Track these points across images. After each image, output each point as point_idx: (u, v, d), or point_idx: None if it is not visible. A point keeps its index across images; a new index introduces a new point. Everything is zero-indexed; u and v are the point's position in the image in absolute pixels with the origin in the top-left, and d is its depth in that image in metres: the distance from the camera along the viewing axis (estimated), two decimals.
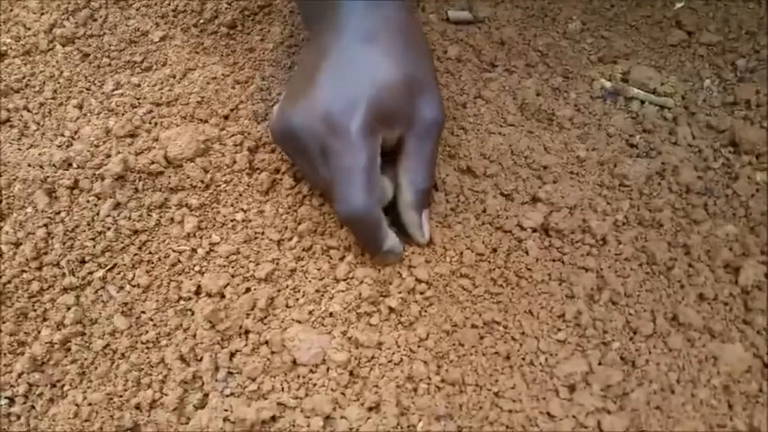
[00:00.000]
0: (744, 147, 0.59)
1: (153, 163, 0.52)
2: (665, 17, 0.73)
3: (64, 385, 0.47)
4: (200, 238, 0.51)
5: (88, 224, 0.51)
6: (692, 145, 0.61)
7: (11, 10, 0.66)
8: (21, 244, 0.50)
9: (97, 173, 0.52)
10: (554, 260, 0.51)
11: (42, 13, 0.66)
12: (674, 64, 0.69)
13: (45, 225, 0.51)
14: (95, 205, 0.52)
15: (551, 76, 0.67)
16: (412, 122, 0.48)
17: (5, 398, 0.47)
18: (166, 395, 0.46)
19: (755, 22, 0.71)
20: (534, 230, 0.52)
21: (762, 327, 0.49)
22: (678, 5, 0.75)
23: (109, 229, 0.51)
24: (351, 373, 0.46)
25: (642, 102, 0.66)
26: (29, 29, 0.65)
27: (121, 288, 0.50)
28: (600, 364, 0.46)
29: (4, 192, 0.52)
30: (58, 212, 0.51)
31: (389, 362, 0.46)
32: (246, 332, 0.48)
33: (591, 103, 0.65)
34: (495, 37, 0.71)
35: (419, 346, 0.46)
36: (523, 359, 0.46)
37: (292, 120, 0.48)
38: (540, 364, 0.46)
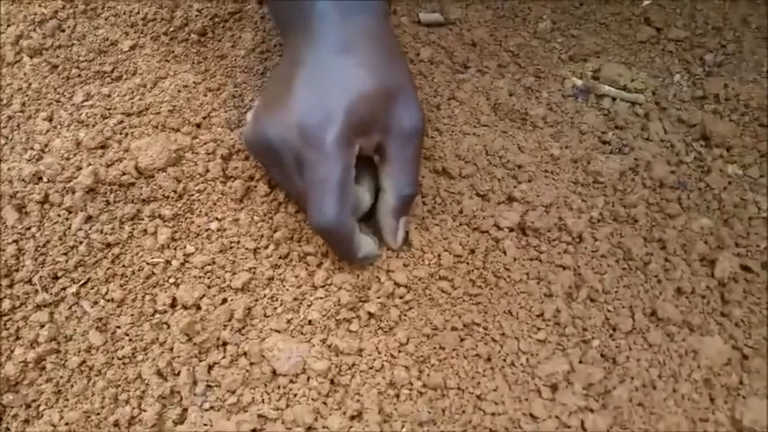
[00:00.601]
0: (715, 140, 0.60)
1: (124, 174, 0.52)
2: (633, 14, 0.74)
3: (39, 405, 0.46)
4: (175, 249, 0.51)
5: (60, 239, 0.50)
6: (664, 140, 0.62)
7: None
8: None
9: (67, 186, 0.51)
10: (531, 259, 0.51)
11: (9, 25, 0.65)
12: (643, 60, 0.70)
13: (15, 241, 0.50)
14: (66, 219, 0.51)
15: (523, 76, 0.67)
16: (390, 130, 0.48)
17: None
18: (145, 411, 0.45)
19: (721, 17, 0.72)
20: (511, 230, 0.52)
21: (739, 319, 0.49)
22: (646, 3, 0.75)
23: (81, 243, 0.50)
24: (332, 382, 0.45)
25: (613, 99, 0.66)
26: None
27: (96, 303, 0.49)
28: (581, 362, 0.46)
29: None
30: (29, 228, 0.50)
31: (370, 368, 0.46)
32: (224, 344, 0.47)
33: (563, 102, 0.65)
34: (466, 38, 0.71)
35: (400, 351, 0.46)
36: (504, 360, 0.46)
37: (267, 130, 0.47)
38: (522, 364, 0.46)
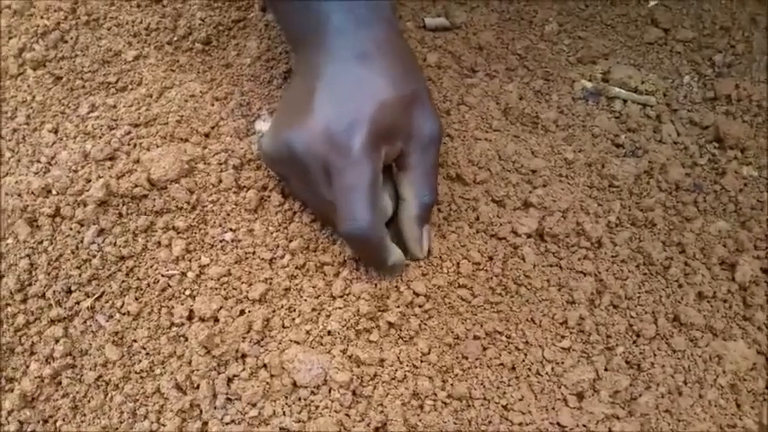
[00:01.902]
0: (729, 142, 0.60)
1: (136, 186, 0.51)
2: (639, 15, 0.74)
3: (56, 421, 0.46)
4: (190, 260, 0.50)
5: (72, 252, 0.49)
6: (677, 142, 0.61)
7: None
8: (3, 276, 0.48)
9: (79, 199, 0.50)
10: (551, 266, 0.50)
11: (10, 37, 0.64)
12: (652, 62, 0.70)
13: (28, 256, 0.49)
14: (78, 232, 0.50)
15: (532, 79, 0.67)
16: (412, 136, 0.48)
17: None
18: (164, 426, 0.45)
19: (729, 17, 0.72)
20: (529, 236, 0.52)
21: (762, 322, 0.49)
22: (652, 3, 0.75)
23: (94, 256, 0.49)
24: (354, 393, 0.45)
25: (624, 101, 0.66)
26: None
27: (111, 317, 0.48)
28: (606, 369, 0.46)
29: None
30: (41, 242, 0.49)
31: (393, 379, 0.45)
32: (243, 356, 0.47)
33: (573, 105, 0.65)
34: (473, 42, 0.70)
35: (422, 361, 0.46)
36: (529, 369, 0.46)
37: (290, 140, 0.47)
38: (547, 373, 0.45)
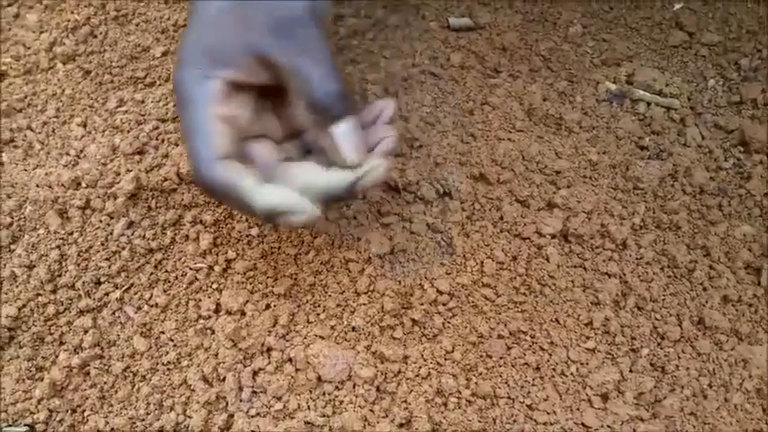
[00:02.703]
0: (754, 146, 0.60)
1: (165, 180, 0.52)
2: (664, 18, 0.74)
3: (84, 410, 0.46)
4: (217, 254, 0.51)
5: (102, 244, 0.50)
6: (701, 146, 0.61)
7: (10, 29, 0.65)
8: (34, 266, 0.49)
9: (109, 192, 0.51)
10: (576, 266, 0.51)
11: (42, 32, 0.65)
12: (676, 65, 0.69)
13: (58, 246, 0.50)
14: (108, 225, 0.51)
15: (556, 80, 0.67)
16: (266, 36, 0.40)
17: (25, 425, 0.46)
18: (190, 417, 0.45)
19: (755, 21, 0.71)
20: (553, 237, 0.52)
21: None
22: (677, 6, 0.75)
23: (123, 248, 0.50)
24: (378, 389, 0.45)
25: (648, 103, 0.66)
26: (29, 48, 0.64)
27: (139, 308, 0.49)
28: (631, 371, 0.46)
29: (14, 213, 0.51)
30: (71, 233, 0.50)
31: (417, 376, 0.45)
32: (269, 350, 0.47)
33: (597, 107, 0.65)
34: (496, 43, 0.71)
35: (446, 359, 0.46)
36: (554, 369, 0.46)
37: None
38: (572, 373, 0.46)
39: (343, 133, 0.41)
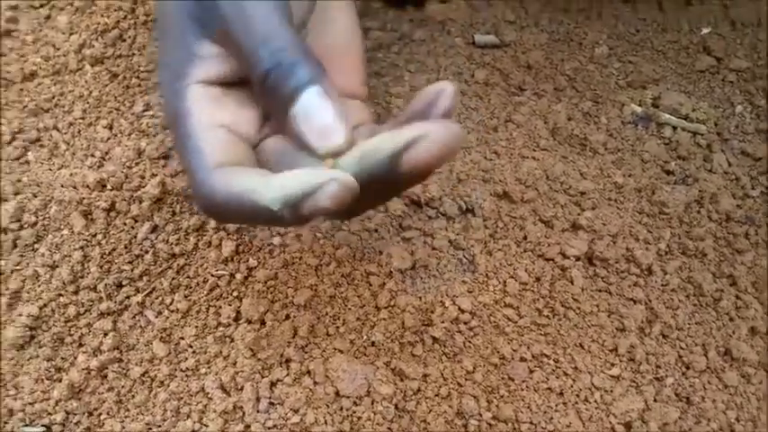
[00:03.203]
0: None
1: (190, 186, 0.52)
2: (691, 43, 0.73)
3: (101, 414, 0.46)
4: (238, 262, 0.50)
5: (125, 247, 0.50)
6: (728, 172, 0.61)
7: (40, 30, 0.65)
8: (57, 267, 0.49)
9: (135, 195, 0.51)
10: (601, 290, 0.50)
11: (71, 33, 0.65)
12: (703, 90, 0.69)
13: (82, 248, 0.50)
14: (132, 228, 0.51)
15: (581, 101, 0.67)
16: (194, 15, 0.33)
17: (42, 425, 0.45)
18: (207, 426, 0.45)
19: None
20: (578, 259, 0.51)
21: None
22: (705, 31, 0.75)
23: (147, 252, 0.50)
24: (396, 407, 0.45)
25: (674, 128, 0.65)
26: (58, 49, 0.64)
27: (160, 313, 0.49)
28: (655, 400, 0.45)
29: (39, 213, 0.51)
30: (95, 235, 0.50)
31: (436, 395, 0.45)
32: (288, 361, 0.47)
33: (623, 129, 0.64)
34: (521, 61, 0.70)
35: (467, 380, 0.46)
36: (578, 396, 0.45)
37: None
38: (596, 400, 0.45)
39: (305, 108, 0.29)
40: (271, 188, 0.29)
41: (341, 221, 0.52)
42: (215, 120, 0.33)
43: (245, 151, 0.34)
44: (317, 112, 0.29)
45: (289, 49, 0.30)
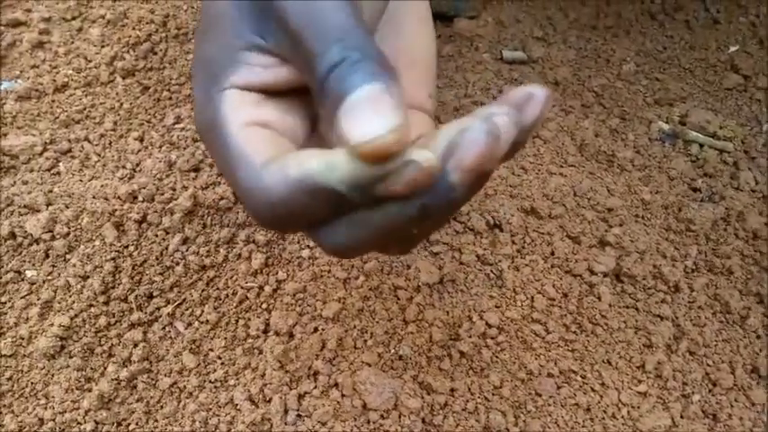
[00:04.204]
0: None
1: (222, 198, 0.52)
2: (719, 61, 0.73)
3: (130, 424, 0.46)
4: (267, 275, 0.51)
5: (156, 259, 0.50)
6: (755, 190, 0.60)
7: (72, 42, 0.66)
8: (88, 277, 0.50)
9: (166, 207, 0.52)
10: (628, 307, 0.50)
11: (103, 46, 0.66)
12: (730, 108, 0.69)
13: (113, 259, 0.50)
14: (164, 240, 0.51)
15: (608, 117, 0.67)
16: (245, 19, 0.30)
17: None
18: None
19: None
20: (605, 275, 0.51)
21: None
22: (732, 49, 0.75)
23: (177, 264, 0.50)
24: (423, 421, 0.45)
25: (701, 145, 0.65)
26: (90, 61, 0.65)
27: (189, 324, 0.49)
28: (682, 417, 0.45)
29: (71, 223, 0.52)
30: (127, 246, 0.51)
31: (464, 410, 0.45)
32: (316, 373, 0.47)
33: (650, 146, 0.64)
34: (549, 77, 0.71)
35: (494, 395, 0.46)
36: (605, 412, 0.45)
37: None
38: (623, 417, 0.45)
39: (350, 104, 0.24)
40: (336, 167, 0.24)
41: (392, 257, 0.51)
42: (255, 119, 0.29)
43: (293, 150, 0.29)
44: (373, 105, 0.24)
45: (360, 48, 0.26)
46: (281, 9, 0.28)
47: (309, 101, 0.30)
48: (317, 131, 0.32)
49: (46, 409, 0.46)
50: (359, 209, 0.26)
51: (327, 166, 0.24)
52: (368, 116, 0.23)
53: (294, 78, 0.30)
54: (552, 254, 0.53)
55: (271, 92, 0.31)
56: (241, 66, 0.30)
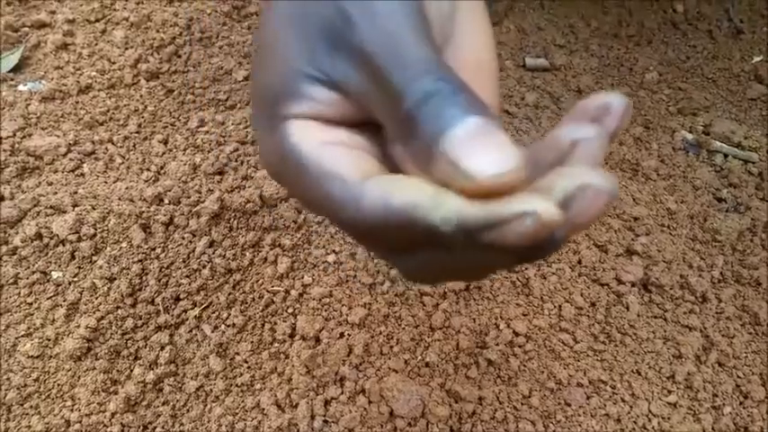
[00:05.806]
0: None
1: (248, 202, 0.52)
2: (742, 71, 0.73)
3: (156, 428, 0.46)
4: (293, 279, 0.51)
5: (183, 261, 0.50)
6: None
7: (96, 44, 0.67)
8: (115, 279, 0.50)
9: (193, 210, 0.52)
10: (657, 317, 0.50)
11: (127, 48, 0.67)
12: (755, 118, 0.69)
13: (140, 261, 0.50)
14: (191, 242, 0.51)
15: (632, 126, 0.67)
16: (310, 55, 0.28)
17: None
18: None
19: None
20: (633, 285, 0.51)
21: None
22: (756, 59, 0.74)
23: (204, 266, 0.50)
24: (451, 429, 0.45)
25: (725, 155, 0.65)
26: (114, 63, 0.65)
27: (216, 327, 0.49)
28: (713, 429, 0.45)
29: (98, 225, 0.52)
30: (154, 248, 0.51)
31: (492, 419, 0.45)
32: (342, 379, 0.47)
33: (674, 155, 0.64)
34: (571, 85, 0.71)
35: (523, 404, 0.45)
36: (635, 422, 0.45)
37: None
38: (653, 427, 0.45)
39: (460, 136, 0.23)
40: (443, 205, 0.23)
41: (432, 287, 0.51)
42: (329, 140, 0.28)
43: (380, 168, 0.28)
44: (486, 140, 0.23)
45: (449, 80, 0.25)
46: (358, 40, 0.27)
47: (371, 134, 0.29)
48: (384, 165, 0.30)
49: (72, 411, 0.46)
50: (453, 248, 0.24)
51: (434, 201, 0.23)
52: (486, 150, 0.23)
53: (358, 114, 0.29)
54: (579, 262, 0.52)
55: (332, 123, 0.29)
56: (303, 98, 0.28)
